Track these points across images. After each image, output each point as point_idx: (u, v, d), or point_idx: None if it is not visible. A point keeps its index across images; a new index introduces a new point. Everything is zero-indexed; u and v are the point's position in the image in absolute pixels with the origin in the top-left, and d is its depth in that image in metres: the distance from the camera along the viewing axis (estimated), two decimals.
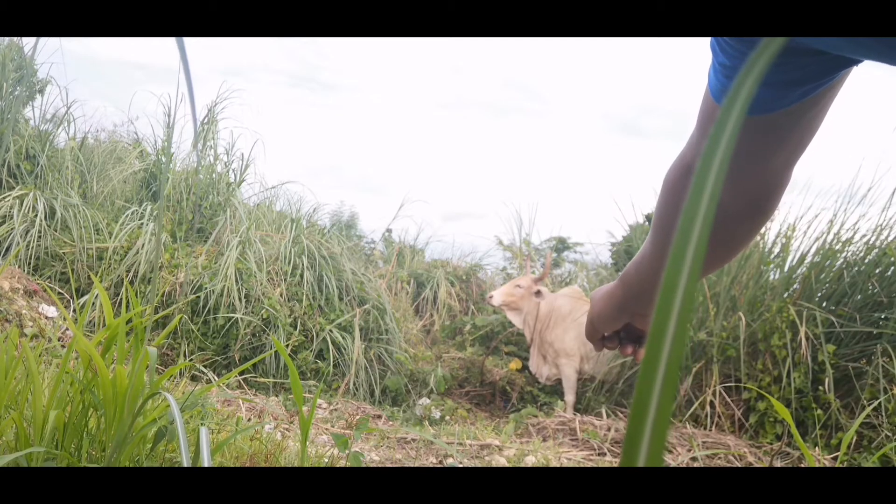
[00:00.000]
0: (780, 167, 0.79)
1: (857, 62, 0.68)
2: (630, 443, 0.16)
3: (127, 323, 1.67)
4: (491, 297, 4.88)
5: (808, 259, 3.81)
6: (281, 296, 4.62)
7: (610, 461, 3.16)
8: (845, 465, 3.02)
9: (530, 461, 2.94)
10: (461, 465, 2.78)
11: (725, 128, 0.18)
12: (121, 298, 4.37)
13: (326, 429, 3.19)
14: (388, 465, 2.75)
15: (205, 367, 3.18)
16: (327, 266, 4.92)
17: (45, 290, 4.05)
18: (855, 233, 3.73)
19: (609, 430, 3.52)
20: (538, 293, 4.75)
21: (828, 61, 0.67)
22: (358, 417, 3.50)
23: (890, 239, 3.60)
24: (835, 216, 3.78)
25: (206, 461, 0.96)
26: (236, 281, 4.49)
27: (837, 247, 3.72)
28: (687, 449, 3.25)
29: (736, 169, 0.79)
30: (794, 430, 1.36)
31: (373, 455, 2.85)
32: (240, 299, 4.44)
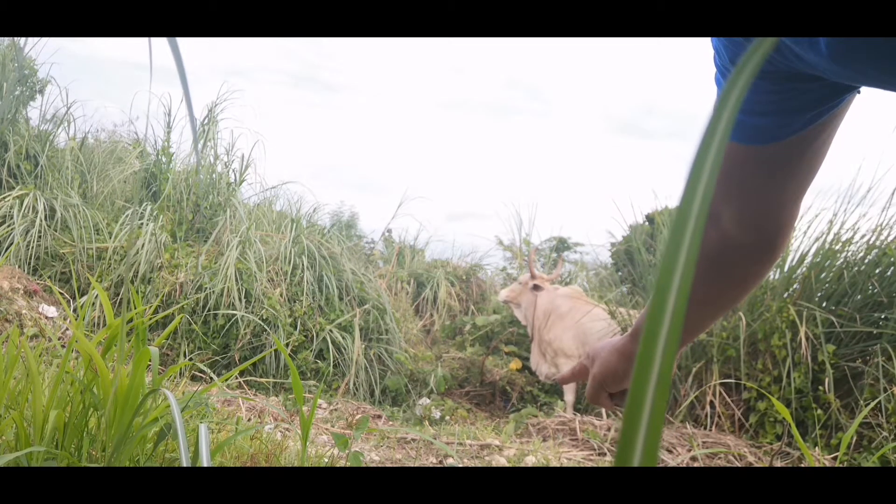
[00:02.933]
0: (790, 199, 0.78)
1: (856, 89, 0.68)
2: (624, 442, 0.16)
3: (127, 323, 1.67)
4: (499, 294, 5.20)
5: (808, 259, 3.81)
6: (281, 296, 4.62)
7: (610, 461, 3.16)
8: (845, 465, 3.02)
9: (530, 461, 2.94)
10: (461, 465, 2.78)
11: (719, 123, 0.18)
12: (121, 298, 4.37)
13: (326, 429, 3.19)
14: (388, 465, 2.75)
15: (205, 366, 3.17)
16: (327, 266, 4.92)
17: (46, 291, 4.05)
18: (855, 233, 3.72)
19: (609, 430, 3.52)
20: (535, 287, 4.81)
21: (826, 87, 0.67)
22: (358, 417, 3.50)
23: (890, 239, 3.59)
24: (835, 216, 3.78)
25: (205, 460, 0.96)
26: (236, 281, 4.49)
27: (837, 247, 3.72)
28: (687, 449, 3.25)
29: (746, 201, 0.77)
30: (794, 430, 1.36)
31: (373, 455, 2.85)
32: (240, 299, 4.44)
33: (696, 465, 3.13)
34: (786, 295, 3.79)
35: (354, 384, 4.48)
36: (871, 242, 3.65)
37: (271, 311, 4.44)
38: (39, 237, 4.52)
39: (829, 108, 0.69)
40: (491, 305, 6.34)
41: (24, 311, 3.71)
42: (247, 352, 4.35)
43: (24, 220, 4.52)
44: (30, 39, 5.54)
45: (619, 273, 6.41)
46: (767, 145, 0.71)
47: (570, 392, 4.51)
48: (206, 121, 5.88)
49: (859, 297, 3.57)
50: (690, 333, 0.94)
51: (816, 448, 3.15)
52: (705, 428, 3.58)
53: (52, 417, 1.50)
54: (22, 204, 4.59)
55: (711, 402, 3.64)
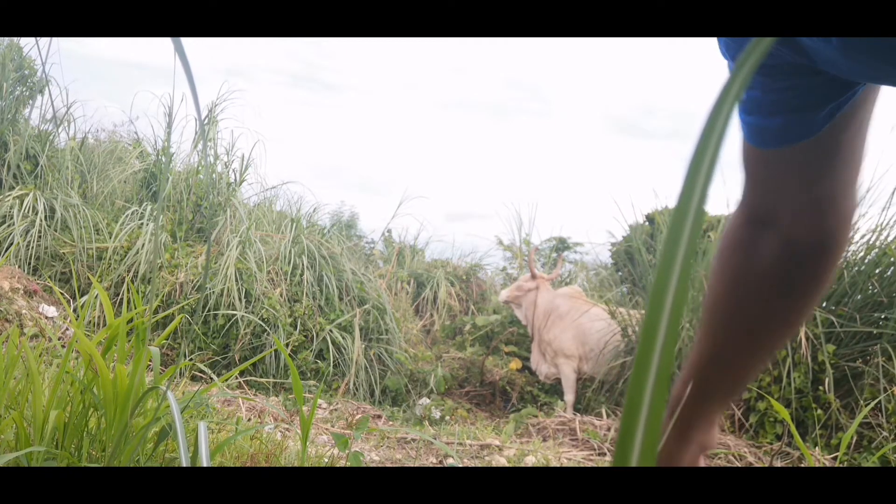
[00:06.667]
0: (841, 190, 0.76)
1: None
2: (622, 442, 0.16)
3: (128, 323, 1.67)
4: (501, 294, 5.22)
5: None
6: (281, 296, 4.62)
7: (610, 461, 3.15)
8: (845, 465, 3.02)
9: (530, 461, 2.94)
10: (461, 465, 2.78)
11: (717, 121, 0.18)
12: (121, 298, 4.37)
13: (326, 429, 3.19)
14: (388, 465, 2.75)
15: (205, 366, 3.18)
16: (327, 266, 4.92)
17: (46, 291, 4.05)
18: (855, 233, 3.72)
19: (609, 430, 3.52)
20: (536, 288, 4.83)
21: (835, 79, 0.66)
22: (358, 417, 3.50)
23: (890, 239, 3.59)
24: None
25: (204, 460, 0.96)
26: (236, 281, 4.49)
27: None
28: None
29: (800, 200, 0.76)
30: (793, 430, 1.36)
31: (373, 455, 2.85)
32: (240, 299, 4.44)
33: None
34: None
35: (354, 384, 4.48)
36: (871, 242, 3.65)
37: (271, 311, 4.44)
38: (39, 237, 4.52)
39: (847, 98, 0.68)
40: (491, 305, 6.34)
41: (24, 311, 3.71)
42: (247, 352, 4.35)
43: (24, 220, 4.52)
44: (30, 39, 5.54)
45: (619, 273, 6.41)
46: (799, 143, 0.71)
47: (570, 392, 4.51)
48: (206, 121, 5.88)
49: (859, 297, 3.57)
50: (762, 359, 0.87)
51: (816, 448, 3.15)
52: None
53: (52, 417, 1.50)
54: (22, 204, 4.59)
55: None
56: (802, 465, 3.08)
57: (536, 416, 3.89)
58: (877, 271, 3.59)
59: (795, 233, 0.78)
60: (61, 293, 4.23)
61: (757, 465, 3.12)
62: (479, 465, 2.85)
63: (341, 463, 2.38)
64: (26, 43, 5.73)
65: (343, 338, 4.58)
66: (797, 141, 0.71)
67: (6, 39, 5.41)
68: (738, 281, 0.80)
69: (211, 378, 3.66)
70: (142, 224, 4.85)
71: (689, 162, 0.17)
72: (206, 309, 4.38)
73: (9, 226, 4.48)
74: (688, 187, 0.17)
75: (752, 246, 0.79)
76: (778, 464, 3.17)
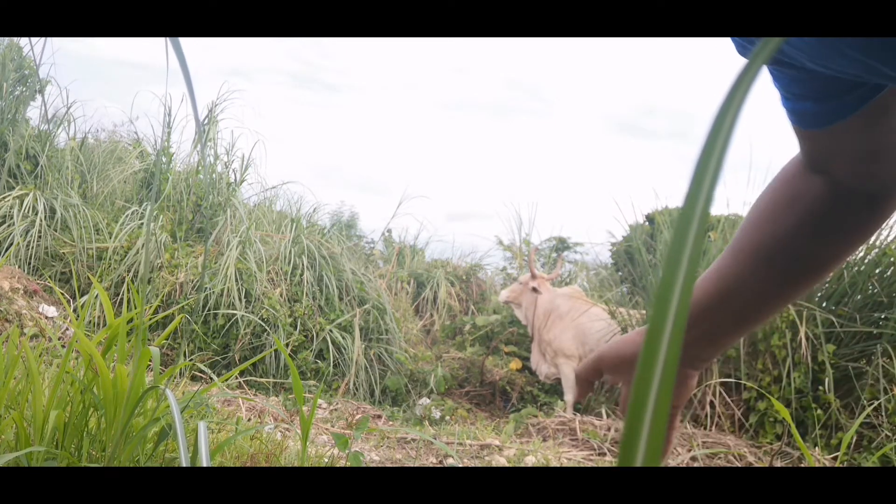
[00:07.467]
0: None
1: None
2: (627, 442, 0.16)
3: (128, 323, 1.67)
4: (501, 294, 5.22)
5: None
6: (281, 296, 4.62)
7: (610, 461, 3.16)
8: (845, 465, 3.02)
9: (530, 461, 2.94)
10: (461, 465, 2.78)
11: (725, 118, 0.18)
12: (121, 298, 4.37)
13: (326, 429, 3.19)
14: (388, 465, 2.75)
15: (205, 366, 3.17)
16: (327, 266, 4.92)
17: (46, 291, 4.05)
18: None
19: (609, 430, 3.52)
20: (535, 289, 4.82)
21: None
22: (358, 417, 3.50)
23: (890, 239, 3.59)
24: None
25: (204, 460, 0.96)
26: (236, 281, 4.49)
27: None
28: (687, 449, 3.25)
29: (854, 153, 0.74)
30: (794, 430, 1.36)
31: (373, 455, 2.85)
32: (240, 299, 4.44)
33: (696, 465, 3.13)
34: None
35: (354, 384, 4.48)
36: (870, 242, 3.65)
37: (271, 311, 4.44)
38: (39, 237, 4.52)
39: (876, 86, 0.66)
40: (491, 305, 6.34)
41: (24, 311, 3.71)
42: (247, 352, 4.35)
43: (24, 220, 4.52)
44: (30, 39, 5.54)
45: (619, 273, 6.42)
46: (849, 118, 0.69)
47: (570, 392, 4.51)
48: (206, 121, 5.88)
49: (859, 297, 3.57)
50: (774, 303, 0.83)
51: (816, 448, 3.15)
52: (705, 428, 3.57)
53: (52, 417, 1.50)
54: (22, 204, 4.59)
55: (711, 402, 3.64)
56: (802, 465, 3.08)
57: (536, 416, 3.89)
58: (877, 271, 3.59)
59: (847, 180, 0.76)
60: (61, 293, 4.22)
61: (757, 465, 3.12)
62: (479, 465, 2.85)
63: (341, 463, 2.38)
64: (26, 43, 5.74)
65: (343, 338, 4.58)
66: (830, 123, 0.69)
67: (6, 39, 5.41)
68: (778, 210, 0.79)
69: (211, 378, 3.65)
70: (141, 224, 4.85)
71: (696, 162, 0.17)
72: (206, 309, 4.38)
73: (9, 226, 4.48)
74: (694, 188, 0.17)
75: (802, 182, 0.78)
76: (778, 464, 3.17)
